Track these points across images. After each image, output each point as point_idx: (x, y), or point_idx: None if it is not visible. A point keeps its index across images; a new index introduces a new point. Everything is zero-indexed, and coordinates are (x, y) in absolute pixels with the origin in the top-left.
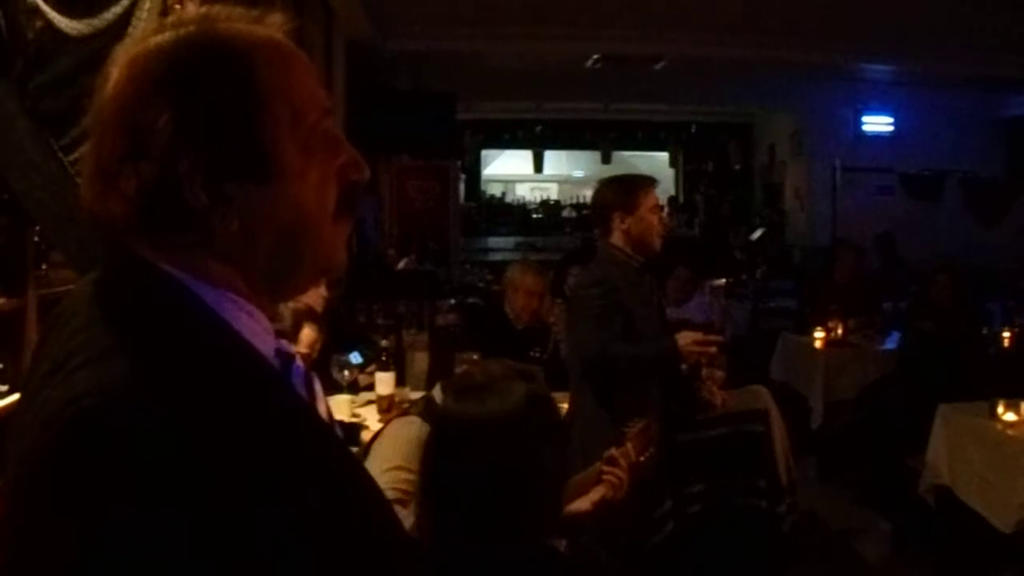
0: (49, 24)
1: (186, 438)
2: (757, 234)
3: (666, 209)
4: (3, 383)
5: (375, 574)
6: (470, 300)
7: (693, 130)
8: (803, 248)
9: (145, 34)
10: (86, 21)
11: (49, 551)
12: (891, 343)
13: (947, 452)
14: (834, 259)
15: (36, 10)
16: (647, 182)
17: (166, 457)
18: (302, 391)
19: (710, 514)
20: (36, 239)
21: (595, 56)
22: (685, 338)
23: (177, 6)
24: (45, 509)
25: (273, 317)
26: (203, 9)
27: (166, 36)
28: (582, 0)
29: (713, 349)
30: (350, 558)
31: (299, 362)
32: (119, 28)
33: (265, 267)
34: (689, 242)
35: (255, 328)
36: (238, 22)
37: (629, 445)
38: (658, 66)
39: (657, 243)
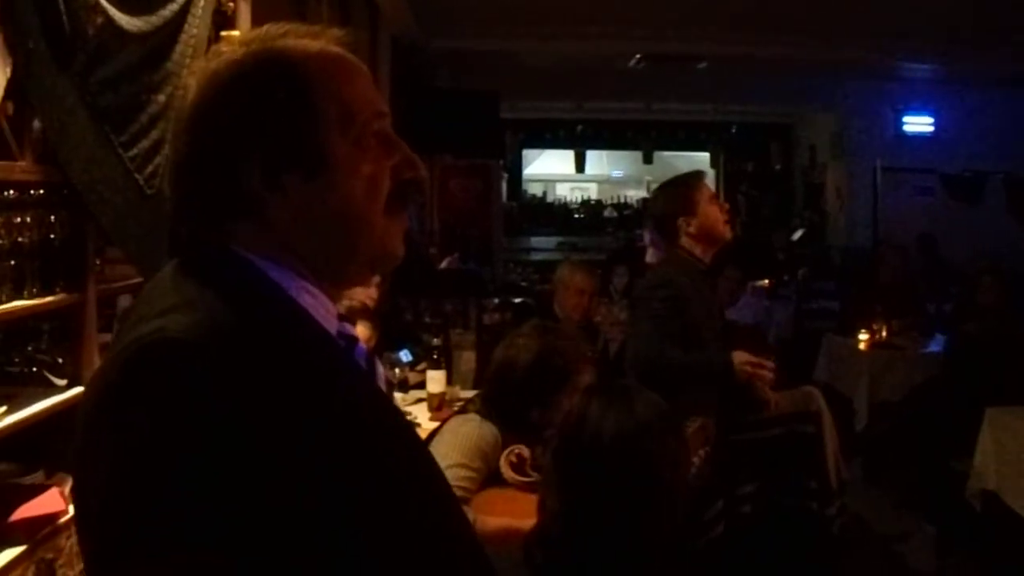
0: (109, 20)
1: (241, 382)
2: (798, 235)
3: None
4: (63, 377)
5: (435, 563)
6: (519, 300)
7: (734, 130)
8: (843, 249)
9: (220, 51)
10: (144, 18)
11: (99, 469)
12: (935, 345)
13: (995, 456)
14: (877, 260)
15: (96, 6)
16: (696, 177)
17: (217, 395)
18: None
19: (761, 515)
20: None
21: (637, 56)
22: (740, 356)
23: (231, 4)
24: (101, 430)
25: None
26: (267, 27)
27: (236, 52)
28: (624, 0)
29: (766, 374)
30: (407, 537)
31: (362, 346)
32: (176, 25)
33: (320, 254)
34: (731, 243)
35: (317, 307)
36: (298, 38)
37: None
38: (700, 66)
39: (726, 231)
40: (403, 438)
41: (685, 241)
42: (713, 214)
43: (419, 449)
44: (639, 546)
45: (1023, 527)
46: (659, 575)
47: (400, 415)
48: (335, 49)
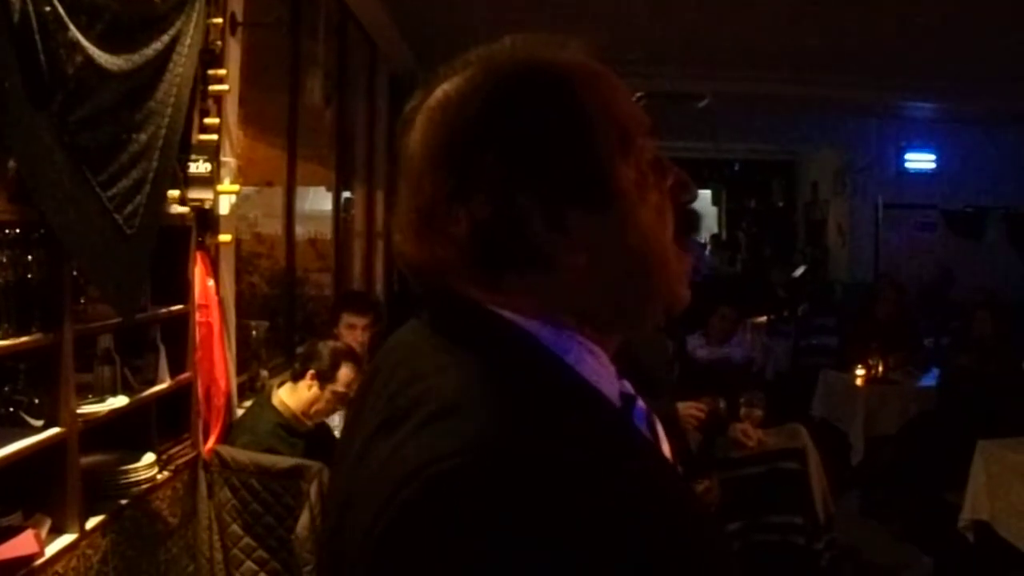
0: (89, 59)
1: (550, 499)
2: (799, 271)
3: (709, 247)
4: (39, 418)
5: None
6: None
7: (736, 168)
8: (845, 285)
9: (438, 78)
10: (126, 56)
11: None
12: (930, 379)
13: (987, 488)
14: (875, 295)
15: (76, 45)
16: None
17: (534, 519)
18: (647, 434)
19: (747, 552)
20: (74, 274)
21: (639, 94)
22: (683, 405)
23: (218, 42)
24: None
25: (612, 356)
26: (506, 41)
27: (473, 73)
28: (626, 38)
29: (700, 415)
30: None
31: (641, 403)
32: (160, 63)
33: (612, 302)
34: (731, 280)
35: (600, 371)
36: (542, 50)
37: None
38: (701, 104)
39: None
40: (690, 503)
41: None
42: None
43: (700, 506)
44: None
45: (1017, 557)
46: None
47: (683, 481)
48: (594, 62)
